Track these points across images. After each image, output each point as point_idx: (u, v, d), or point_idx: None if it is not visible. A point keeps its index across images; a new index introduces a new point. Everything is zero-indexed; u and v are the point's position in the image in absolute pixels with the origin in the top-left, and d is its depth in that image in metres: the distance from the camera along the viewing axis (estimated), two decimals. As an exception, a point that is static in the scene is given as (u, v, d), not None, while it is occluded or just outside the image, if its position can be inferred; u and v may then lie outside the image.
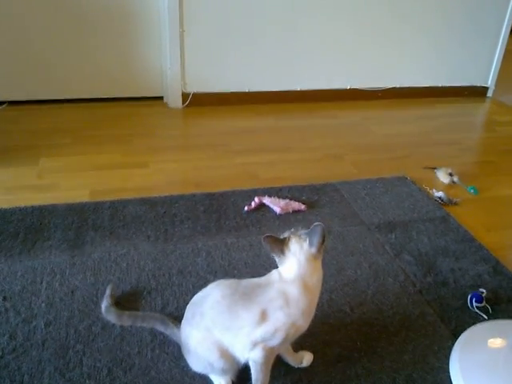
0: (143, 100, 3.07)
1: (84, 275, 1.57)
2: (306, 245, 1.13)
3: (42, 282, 1.53)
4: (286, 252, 1.13)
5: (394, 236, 1.88)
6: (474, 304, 1.53)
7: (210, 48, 2.95)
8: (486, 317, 1.51)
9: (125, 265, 1.63)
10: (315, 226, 1.12)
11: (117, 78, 2.98)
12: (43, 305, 1.44)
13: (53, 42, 2.80)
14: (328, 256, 1.71)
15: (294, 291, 1.11)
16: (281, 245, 1.14)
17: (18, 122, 2.69)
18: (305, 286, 1.12)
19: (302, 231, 1.16)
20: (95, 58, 2.90)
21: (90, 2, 2.75)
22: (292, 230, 1.18)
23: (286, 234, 1.17)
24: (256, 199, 2.01)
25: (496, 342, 1.40)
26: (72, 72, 2.90)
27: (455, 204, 2.14)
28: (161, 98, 3.10)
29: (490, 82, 3.61)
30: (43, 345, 1.31)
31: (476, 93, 3.62)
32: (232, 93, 3.11)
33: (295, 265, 1.12)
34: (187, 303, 1.24)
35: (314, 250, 1.12)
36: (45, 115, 2.80)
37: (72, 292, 1.50)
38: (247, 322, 1.11)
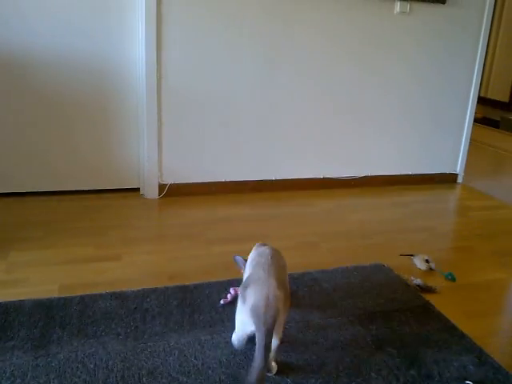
0: (119, 191, 3.08)
1: (47, 378, 1.46)
2: None
3: (-1, 389, 1.41)
4: None
5: (374, 327, 1.82)
6: (461, 399, 1.47)
7: (186, 140, 3.02)
8: (474, 413, 1.44)
9: (92, 366, 1.53)
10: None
11: (93, 171, 3.00)
12: (-1, 415, 1.32)
13: (27, 133, 2.83)
14: (308, 351, 1.64)
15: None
16: None
17: (-11, 216, 2.65)
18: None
19: None
20: (72, 151, 2.93)
21: (68, 95, 2.83)
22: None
23: None
24: (232, 291, 1.95)
25: None
26: (47, 165, 2.91)
27: (434, 291, 2.11)
28: (137, 189, 3.11)
29: (458, 168, 3.75)
30: None
31: (446, 179, 3.74)
32: (208, 183, 3.15)
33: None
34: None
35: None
36: (18, 208, 2.76)
37: (32, 399, 1.38)
38: None
